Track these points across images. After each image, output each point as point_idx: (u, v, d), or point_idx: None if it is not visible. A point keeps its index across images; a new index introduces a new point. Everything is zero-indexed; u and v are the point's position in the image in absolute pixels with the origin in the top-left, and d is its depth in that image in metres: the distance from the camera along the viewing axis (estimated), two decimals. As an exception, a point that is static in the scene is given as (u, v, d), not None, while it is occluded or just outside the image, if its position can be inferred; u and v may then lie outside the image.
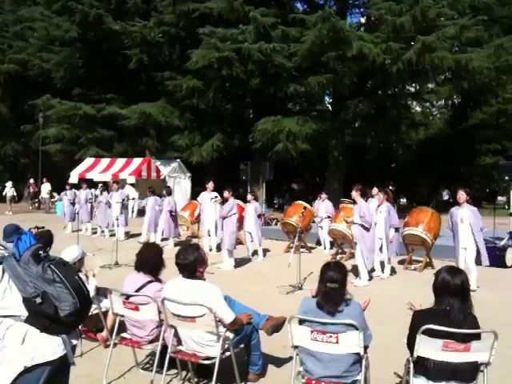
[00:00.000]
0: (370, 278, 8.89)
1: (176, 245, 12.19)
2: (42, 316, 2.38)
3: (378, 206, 9.54)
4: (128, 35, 22.58)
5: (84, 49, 25.17)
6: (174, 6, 22.04)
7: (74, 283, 2.42)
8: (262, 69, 20.40)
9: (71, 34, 23.95)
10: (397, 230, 9.65)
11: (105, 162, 22.63)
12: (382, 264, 9.46)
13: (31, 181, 27.16)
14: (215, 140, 22.73)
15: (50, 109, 24.42)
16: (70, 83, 25.52)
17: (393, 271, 9.78)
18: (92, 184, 17.10)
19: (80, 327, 4.78)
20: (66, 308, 2.38)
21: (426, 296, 3.51)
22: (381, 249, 9.41)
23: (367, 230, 8.57)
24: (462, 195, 8.28)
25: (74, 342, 2.58)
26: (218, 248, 11.57)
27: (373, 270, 9.20)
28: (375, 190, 9.70)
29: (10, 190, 24.82)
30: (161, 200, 13.01)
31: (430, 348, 3.12)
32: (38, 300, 2.34)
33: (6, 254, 2.49)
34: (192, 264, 3.92)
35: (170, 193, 13.06)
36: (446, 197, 28.58)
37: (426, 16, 18.18)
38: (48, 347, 2.44)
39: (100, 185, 16.76)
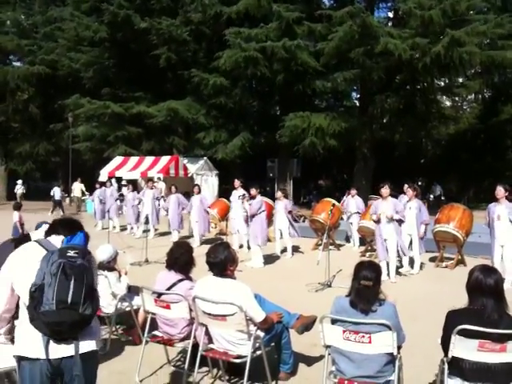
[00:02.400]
0: (399, 274, 8.84)
1: (203, 243, 12.26)
2: (31, 306, 2.45)
3: (407, 201, 9.43)
4: (155, 33, 22.76)
5: (112, 48, 25.46)
6: (202, 9, 22.09)
7: (63, 286, 2.42)
8: (286, 67, 20.33)
9: (100, 35, 24.28)
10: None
11: (133, 160, 22.87)
12: (412, 260, 9.39)
13: None
14: (241, 137, 22.78)
15: (79, 108, 24.78)
16: (98, 83, 25.84)
17: (424, 268, 9.67)
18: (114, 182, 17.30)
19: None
20: (45, 306, 2.40)
21: (458, 294, 3.45)
22: (410, 245, 9.35)
23: (400, 225, 8.51)
24: (499, 191, 7.98)
25: (65, 353, 2.53)
26: (248, 246, 11.58)
27: (401, 266, 9.18)
28: (405, 187, 9.63)
29: (20, 187, 26.34)
30: (183, 198, 13.25)
31: (465, 348, 3.06)
32: (32, 289, 2.42)
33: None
34: (222, 263, 3.93)
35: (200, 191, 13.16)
36: (437, 193, 27.80)
37: (455, 9, 17.83)
38: (32, 342, 2.49)
39: (123, 182, 16.89)
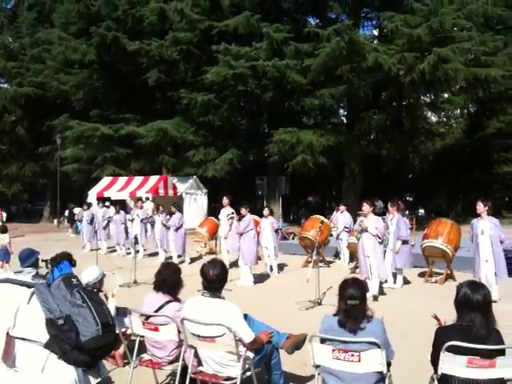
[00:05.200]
0: (382, 289, 8.82)
1: (191, 262, 12.19)
2: (62, 339, 2.32)
3: (391, 219, 9.49)
4: (145, 54, 22.85)
5: (101, 70, 25.49)
6: (191, 26, 22.26)
7: (100, 310, 2.43)
8: (276, 84, 20.50)
9: (89, 57, 24.27)
10: (405, 242, 9.59)
11: (122, 180, 22.84)
12: (394, 275, 9.48)
13: None
14: (229, 154, 22.80)
15: (67, 130, 24.70)
16: (87, 104, 25.83)
17: (413, 284, 9.67)
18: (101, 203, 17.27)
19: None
20: (87, 333, 2.35)
21: (447, 309, 3.44)
22: None
23: (380, 242, 8.53)
24: (478, 206, 8.16)
25: (94, 381, 2.49)
26: (236, 265, 11.53)
27: (385, 281, 9.19)
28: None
29: None
30: (168, 217, 13.22)
31: (454, 365, 3.06)
32: (61, 321, 2.31)
33: (42, 282, 2.57)
34: (223, 279, 3.95)
35: (179, 209, 13.15)
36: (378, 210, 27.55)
37: (442, 27, 18.11)
38: (66, 380, 2.37)
39: (106, 204, 16.86)
